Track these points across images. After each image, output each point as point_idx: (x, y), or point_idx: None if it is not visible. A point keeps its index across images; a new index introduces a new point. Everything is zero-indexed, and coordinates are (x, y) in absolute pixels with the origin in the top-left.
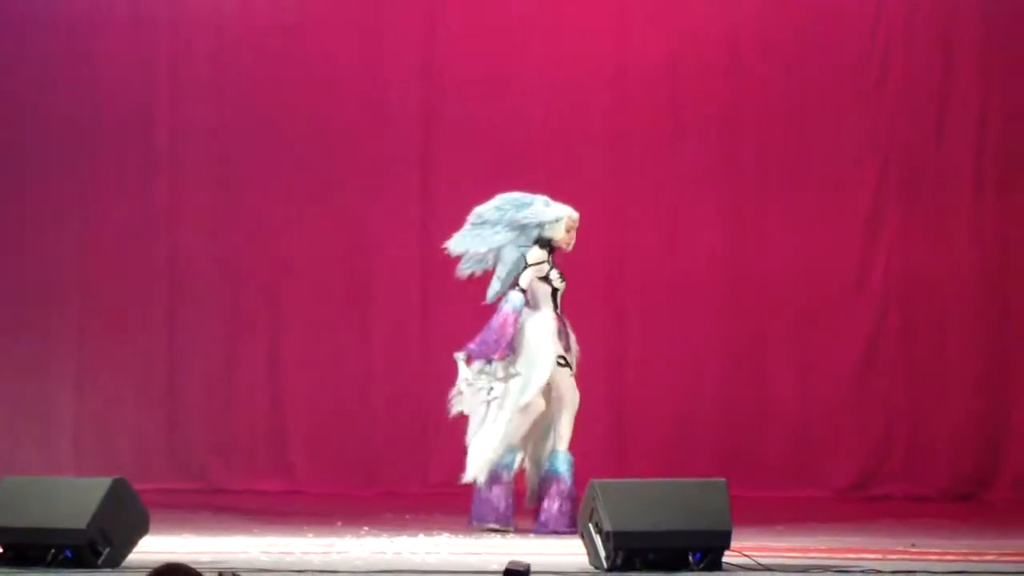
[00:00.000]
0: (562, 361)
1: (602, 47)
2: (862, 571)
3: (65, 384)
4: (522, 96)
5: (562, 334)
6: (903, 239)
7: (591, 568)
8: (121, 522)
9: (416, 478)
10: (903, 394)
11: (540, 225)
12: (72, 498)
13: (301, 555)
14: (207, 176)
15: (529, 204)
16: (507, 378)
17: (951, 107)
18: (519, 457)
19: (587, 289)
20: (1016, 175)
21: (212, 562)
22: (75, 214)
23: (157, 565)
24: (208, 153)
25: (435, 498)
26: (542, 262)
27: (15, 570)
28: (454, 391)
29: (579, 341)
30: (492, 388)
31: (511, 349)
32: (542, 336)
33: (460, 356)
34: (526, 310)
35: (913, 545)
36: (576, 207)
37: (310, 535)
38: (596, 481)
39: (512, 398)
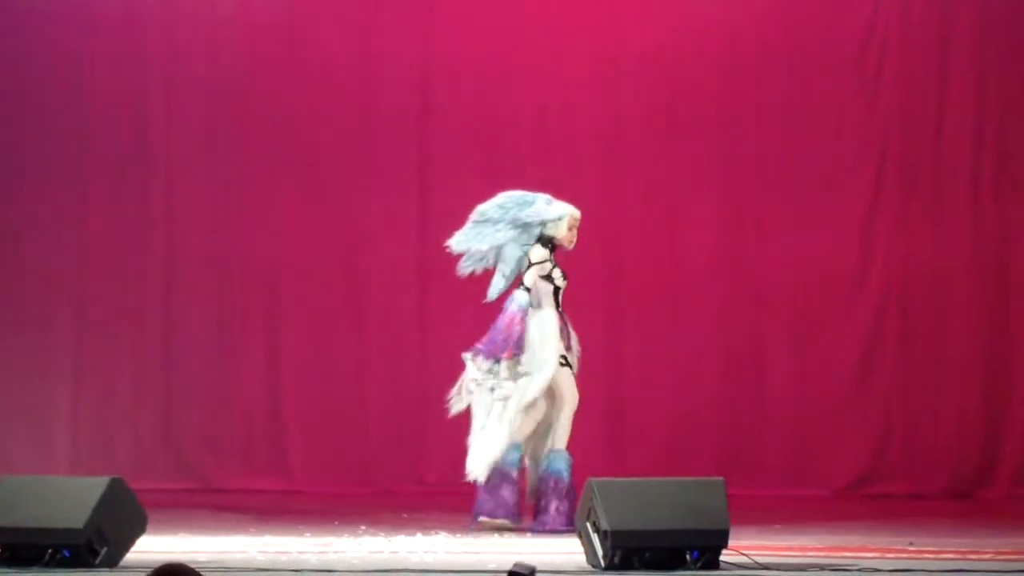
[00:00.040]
0: (562, 360)
1: (599, 45)
2: (860, 570)
3: (62, 383)
4: (519, 94)
5: (564, 332)
6: (901, 237)
7: (589, 567)
8: (118, 522)
9: (413, 477)
10: (901, 393)
11: (542, 223)
12: (69, 498)
13: (298, 554)
14: (203, 174)
15: (531, 202)
16: (515, 377)
17: (948, 105)
18: (521, 455)
19: (584, 288)
20: (1013, 172)
21: (209, 561)
22: (71, 213)
23: (155, 565)
24: (204, 151)
25: (432, 497)
26: (545, 261)
27: (12, 570)
28: (454, 391)
29: (578, 340)
30: (500, 387)
31: (519, 348)
32: (546, 335)
33: (468, 356)
34: (529, 309)
35: (911, 544)
36: (574, 206)
37: (307, 534)
38: (594, 480)
39: (516, 397)
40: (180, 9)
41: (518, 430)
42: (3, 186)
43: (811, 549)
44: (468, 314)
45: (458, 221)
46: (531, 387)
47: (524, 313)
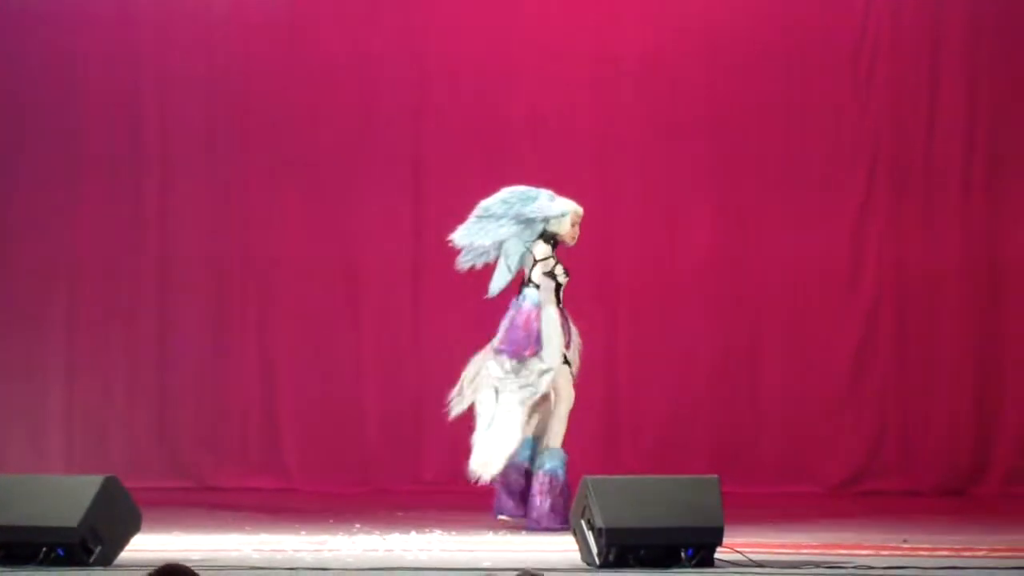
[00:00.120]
0: (562, 358)
1: (593, 45)
2: (854, 567)
3: (56, 382)
4: (516, 94)
5: (565, 328)
6: (893, 239)
7: (583, 565)
8: (113, 520)
9: (408, 475)
10: (895, 391)
11: (546, 220)
12: (63, 496)
13: (293, 553)
14: (197, 174)
15: (535, 198)
16: (541, 373)
17: (940, 107)
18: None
19: (580, 287)
20: (1005, 172)
21: (204, 560)
22: (65, 212)
23: (150, 564)
24: (198, 151)
25: (427, 495)
26: (548, 257)
27: (7, 568)
28: (455, 392)
29: (579, 335)
30: (527, 385)
31: (539, 344)
32: (550, 332)
33: (491, 357)
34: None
35: (905, 541)
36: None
37: (302, 533)
38: (588, 477)
39: (524, 393)
40: (174, 8)
41: (527, 426)
42: None
43: (805, 546)
44: (464, 313)
45: (455, 221)
46: (540, 383)
47: (538, 309)
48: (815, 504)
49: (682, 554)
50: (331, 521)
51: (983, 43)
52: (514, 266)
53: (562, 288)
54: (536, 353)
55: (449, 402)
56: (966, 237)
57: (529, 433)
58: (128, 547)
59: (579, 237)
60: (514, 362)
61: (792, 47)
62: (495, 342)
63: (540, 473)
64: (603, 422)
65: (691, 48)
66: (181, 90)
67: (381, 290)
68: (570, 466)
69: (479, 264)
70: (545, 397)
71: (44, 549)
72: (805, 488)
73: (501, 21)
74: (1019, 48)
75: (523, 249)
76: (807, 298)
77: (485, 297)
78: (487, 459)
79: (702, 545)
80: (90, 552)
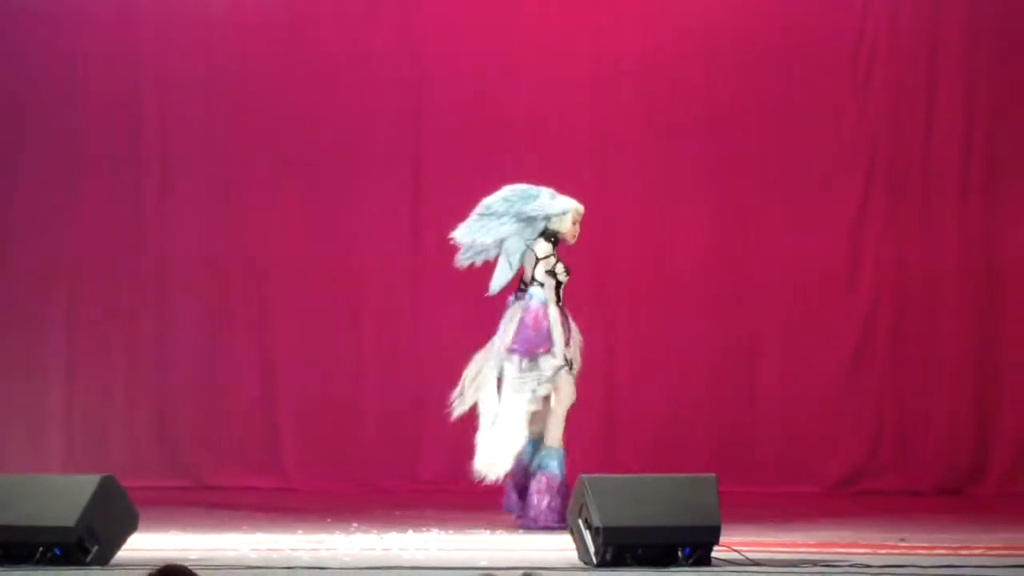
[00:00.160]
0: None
1: (593, 45)
2: (851, 566)
3: (54, 382)
4: (514, 93)
5: (565, 326)
6: (891, 240)
7: (580, 563)
8: (110, 520)
9: (406, 475)
10: (892, 390)
11: (547, 218)
12: (61, 496)
13: (290, 552)
14: (197, 174)
15: (536, 196)
16: (555, 369)
17: (937, 109)
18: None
19: (579, 286)
20: (1002, 174)
21: (201, 559)
22: (64, 212)
23: (147, 563)
24: (198, 151)
25: (425, 495)
26: (550, 255)
27: (3, 568)
28: (456, 393)
29: (579, 331)
30: (541, 384)
31: (551, 341)
32: (555, 329)
33: (504, 357)
34: None
35: (903, 540)
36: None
37: (300, 532)
38: (586, 476)
39: (541, 390)
40: (173, 8)
41: (530, 424)
42: None
43: (803, 545)
44: (462, 312)
45: (455, 221)
46: (543, 381)
47: (546, 307)
48: (813, 503)
49: (679, 553)
50: (329, 520)
51: (981, 46)
52: (516, 264)
53: (562, 286)
54: (549, 351)
55: (451, 403)
56: (964, 238)
57: (531, 433)
58: (125, 546)
59: (578, 236)
60: (527, 360)
61: (791, 48)
62: (504, 342)
63: (538, 472)
64: (602, 422)
65: (691, 48)
66: (181, 90)
67: (380, 290)
68: (568, 465)
69: (479, 262)
70: (546, 396)
71: (41, 549)
72: (803, 487)
73: (501, 21)
74: (1016, 51)
75: (524, 247)
76: (805, 298)
77: (486, 295)
78: (494, 459)
79: (699, 544)
80: (87, 551)
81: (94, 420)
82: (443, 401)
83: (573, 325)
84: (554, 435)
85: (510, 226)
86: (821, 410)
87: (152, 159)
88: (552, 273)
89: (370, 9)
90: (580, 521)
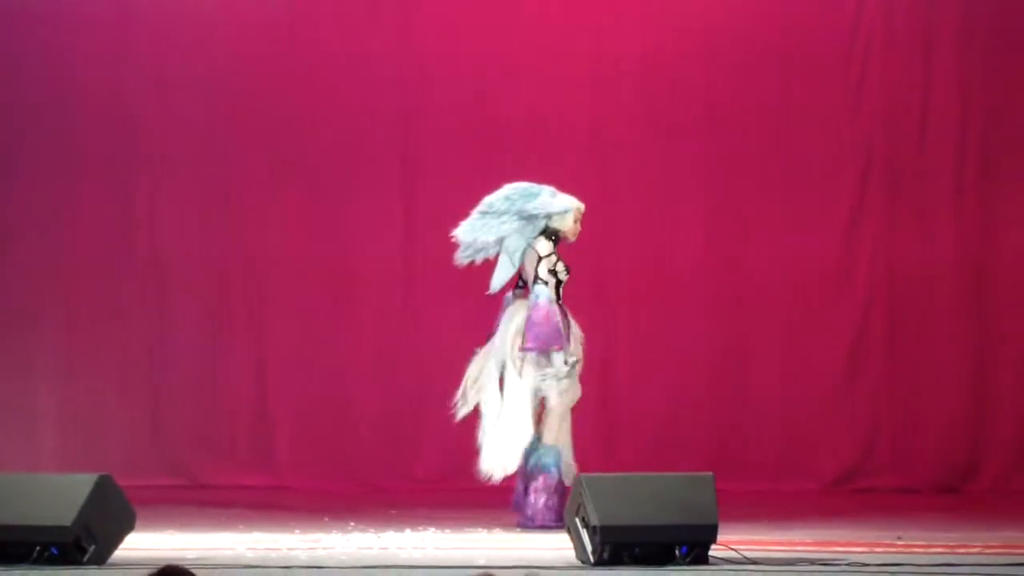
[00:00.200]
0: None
1: (593, 45)
2: (849, 564)
3: (49, 381)
4: (513, 93)
5: (565, 325)
6: (886, 240)
7: (577, 562)
8: (107, 519)
9: (402, 473)
10: (888, 389)
11: (548, 216)
12: (57, 495)
13: (287, 551)
14: (192, 174)
15: (537, 194)
16: (572, 365)
17: (932, 109)
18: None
19: (578, 286)
20: (997, 174)
21: (198, 558)
22: (60, 212)
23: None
24: (193, 151)
25: (421, 493)
26: (551, 254)
27: (0, 567)
28: (458, 394)
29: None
30: (559, 379)
31: (563, 338)
32: None
33: (516, 356)
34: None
35: (899, 538)
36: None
37: (296, 531)
38: (583, 475)
39: (562, 385)
40: (172, 9)
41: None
42: None
43: (800, 543)
44: (458, 312)
45: (453, 221)
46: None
47: (553, 304)
48: (810, 501)
49: (676, 552)
50: (326, 519)
51: (975, 45)
52: (517, 262)
53: (562, 285)
54: (562, 348)
55: (453, 405)
56: (959, 238)
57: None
58: (122, 546)
59: (578, 235)
60: (542, 358)
61: (789, 48)
62: (506, 340)
63: (535, 470)
64: (600, 421)
65: (690, 48)
66: (178, 90)
67: (376, 290)
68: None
69: (479, 260)
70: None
71: (38, 548)
72: (800, 485)
73: (501, 21)
74: (1011, 50)
75: (525, 245)
76: (802, 298)
77: (487, 293)
78: (501, 458)
79: (697, 542)
80: (84, 551)
81: (91, 419)
82: (440, 400)
83: (573, 322)
84: (552, 434)
85: (511, 224)
86: (819, 408)
87: (149, 159)
88: (552, 271)
89: (370, 9)
90: (577, 520)
